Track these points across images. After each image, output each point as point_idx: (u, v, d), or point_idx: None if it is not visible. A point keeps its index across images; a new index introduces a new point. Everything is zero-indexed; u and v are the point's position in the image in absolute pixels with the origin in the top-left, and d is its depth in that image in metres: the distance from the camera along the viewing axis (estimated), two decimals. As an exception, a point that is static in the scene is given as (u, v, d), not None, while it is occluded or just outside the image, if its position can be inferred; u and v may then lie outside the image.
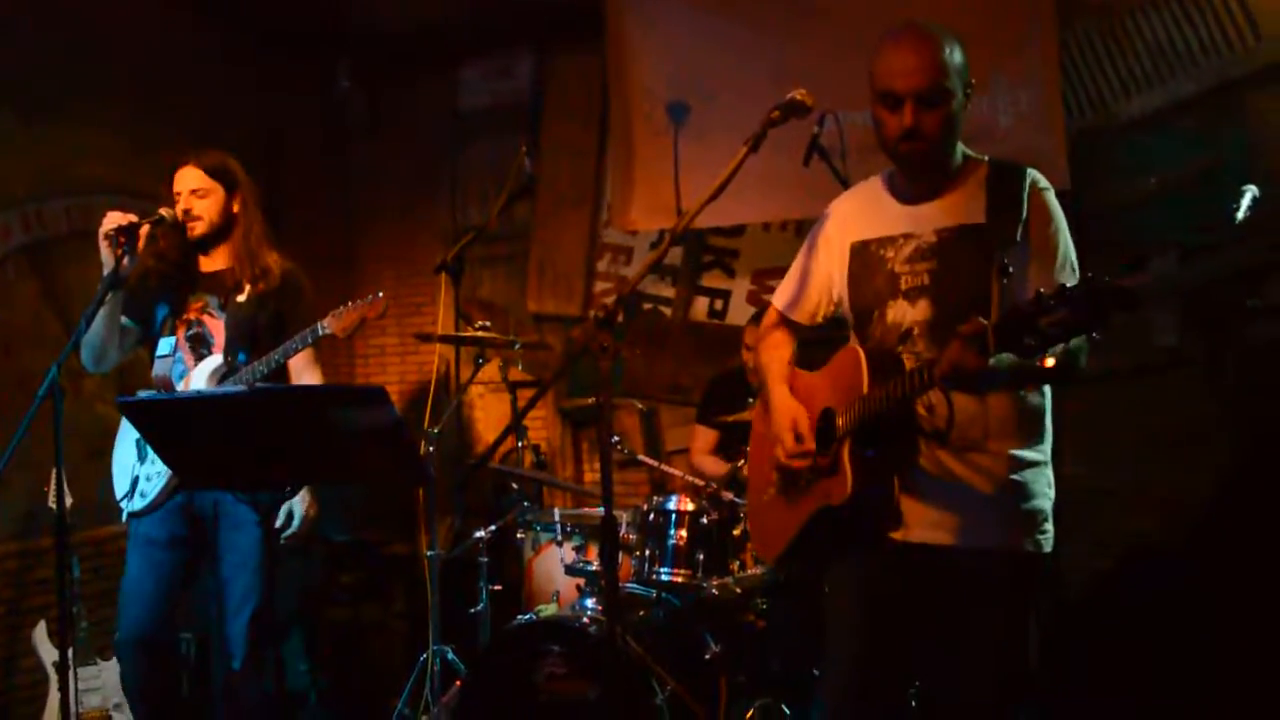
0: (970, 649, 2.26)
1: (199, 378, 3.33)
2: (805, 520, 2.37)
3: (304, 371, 3.45)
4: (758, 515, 2.68)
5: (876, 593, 2.35)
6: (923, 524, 2.27)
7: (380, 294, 3.28)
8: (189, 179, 3.37)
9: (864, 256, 2.40)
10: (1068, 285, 1.78)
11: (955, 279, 2.26)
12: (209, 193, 3.37)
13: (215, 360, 3.34)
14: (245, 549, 3.31)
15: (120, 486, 3.42)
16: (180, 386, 3.34)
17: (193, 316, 3.41)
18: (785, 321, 2.61)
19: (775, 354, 2.58)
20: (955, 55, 2.25)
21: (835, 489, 2.26)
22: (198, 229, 3.36)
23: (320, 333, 3.22)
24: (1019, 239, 2.20)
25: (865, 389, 2.22)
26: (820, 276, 2.52)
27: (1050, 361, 1.94)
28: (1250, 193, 2.98)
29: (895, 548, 2.29)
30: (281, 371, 3.36)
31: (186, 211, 3.33)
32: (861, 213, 2.44)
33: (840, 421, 2.28)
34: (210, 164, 3.39)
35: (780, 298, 2.63)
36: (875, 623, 2.36)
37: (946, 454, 2.26)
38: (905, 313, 2.31)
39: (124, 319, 3.40)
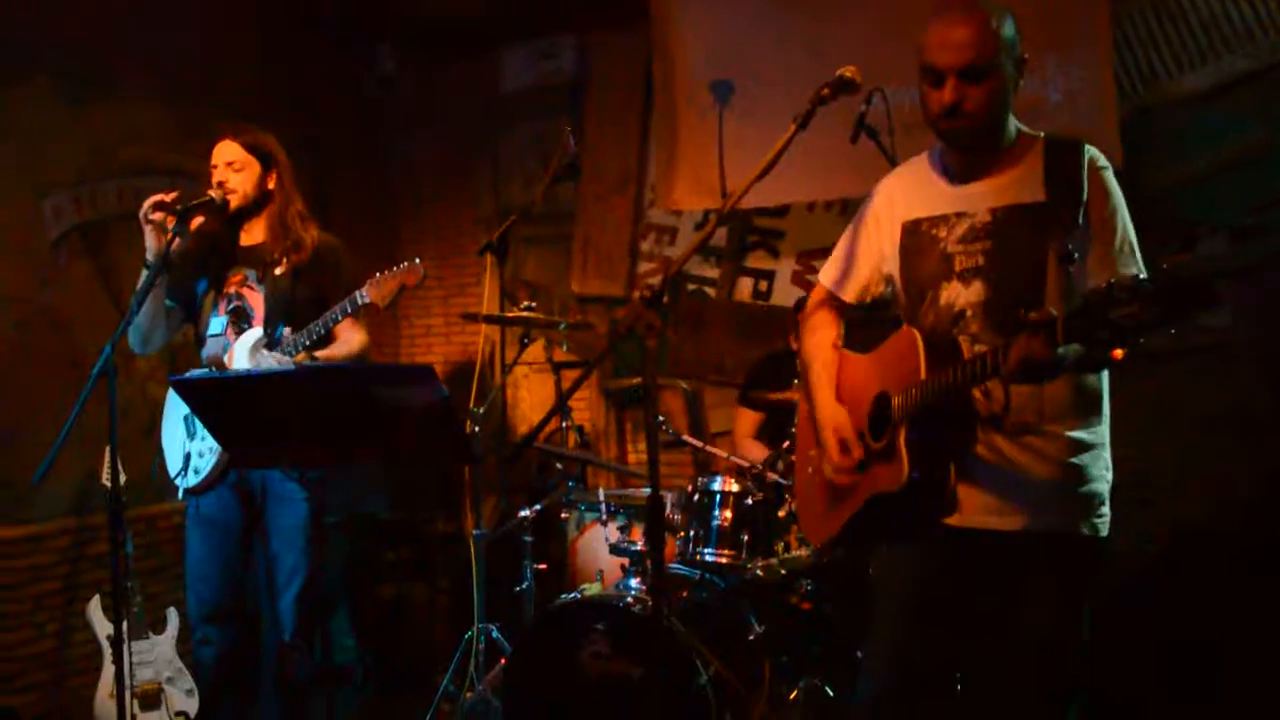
0: (1024, 634, 2.24)
1: (240, 351, 3.37)
2: (860, 505, 2.35)
3: (350, 332, 3.47)
4: (806, 499, 2.66)
5: (927, 578, 2.34)
6: (978, 509, 2.24)
7: (418, 260, 3.30)
8: (225, 152, 3.44)
9: (916, 236, 2.36)
10: (1141, 278, 1.72)
11: (1011, 260, 2.22)
12: (244, 166, 3.43)
13: (255, 333, 3.39)
14: (293, 524, 3.38)
15: (173, 464, 3.48)
16: (223, 360, 3.39)
17: (232, 290, 3.45)
18: (832, 300, 2.57)
19: (818, 338, 2.55)
20: (1005, 29, 2.20)
21: (890, 475, 2.24)
22: (233, 201, 3.41)
23: (360, 301, 3.25)
24: (1080, 222, 2.15)
25: (923, 374, 2.18)
26: (870, 254, 2.48)
27: (1120, 353, 1.85)
28: (1308, 171, 2.90)
29: (949, 533, 2.26)
30: (327, 337, 3.40)
31: (221, 184, 3.39)
32: (911, 191, 2.40)
33: (896, 406, 2.24)
34: (247, 139, 3.46)
35: (827, 275, 2.58)
36: (923, 608, 2.34)
37: (1002, 438, 2.22)
38: (959, 294, 2.27)
39: (165, 300, 3.46)
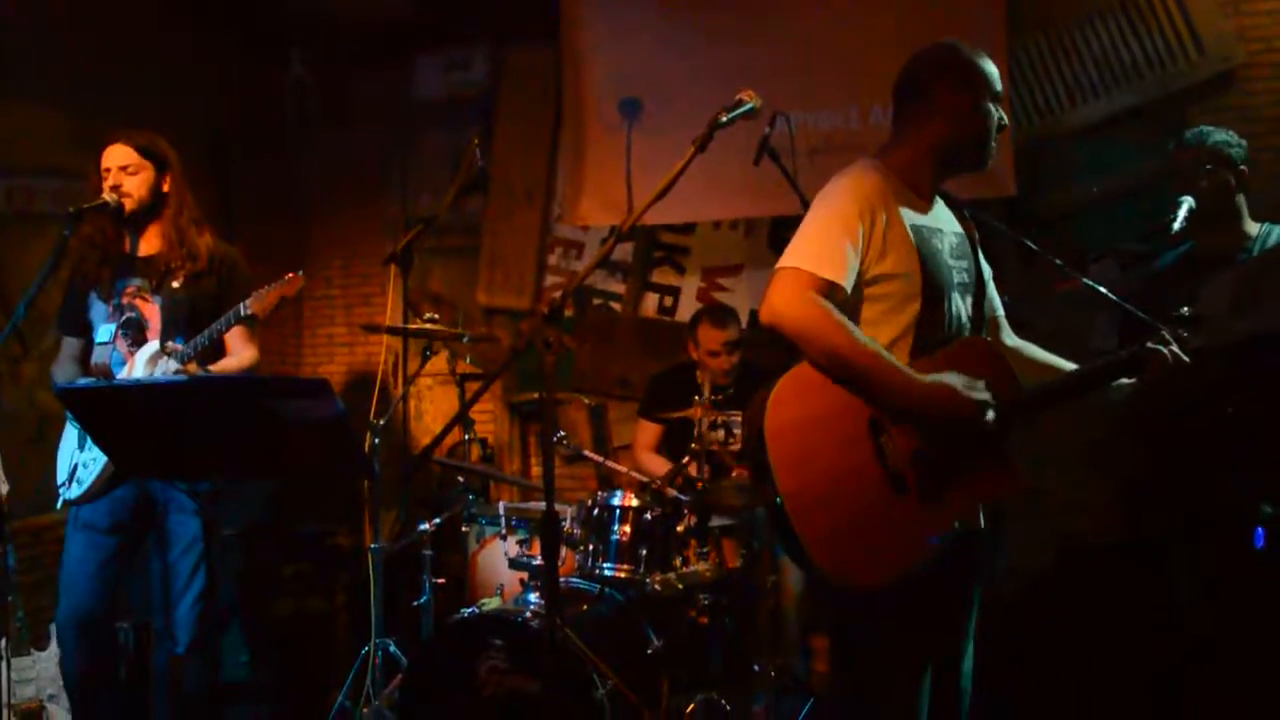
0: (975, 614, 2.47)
1: (139, 365, 3.32)
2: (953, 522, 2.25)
3: (241, 345, 3.46)
4: (853, 527, 2.21)
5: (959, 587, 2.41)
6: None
7: (299, 272, 3.32)
8: (118, 155, 3.37)
9: (928, 242, 2.34)
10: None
11: (978, 279, 2.45)
12: (139, 169, 3.37)
13: (153, 346, 3.33)
14: (191, 534, 3.34)
15: (60, 473, 3.40)
16: (121, 375, 3.32)
17: (126, 302, 3.39)
18: (835, 294, 2.23)
19: (855, 331, 2.22)
20: None
21: (1004, 481, 2.29)
22: (127, 205, 3.35)
23: (243, 313, 3.23)
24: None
25: (1014, 382, 2.31)
26: (865, 248, 2.27)
27: None
28: (1186, 204, 3.05)
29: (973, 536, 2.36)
30: (217, 345, 3.36)
31: (116, 187, 3.33)
32: (899, 196, 2.35)
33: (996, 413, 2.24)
34: (140, 142, 3.40)
35: (832, 267, 2.22)
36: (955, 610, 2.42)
37: None
38: (958, 305, 2.39)
39: (72, 339, 3.46)
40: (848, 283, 2.23)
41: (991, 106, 2.40)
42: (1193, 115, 4.39)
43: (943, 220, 2.43)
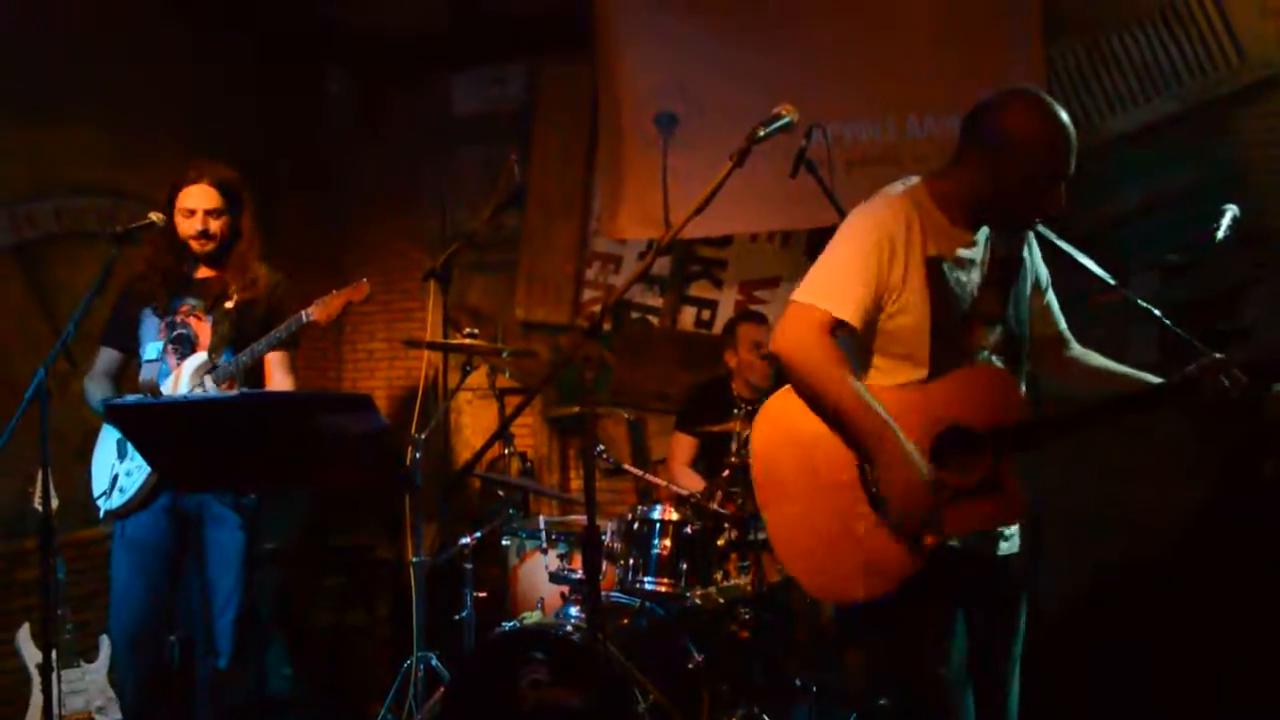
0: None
1: (185, 375, 3.36)
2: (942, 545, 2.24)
3: (280, 375, 3.50)
4: (828, 550, 2.26)
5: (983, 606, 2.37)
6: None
7: (364, 280, 3.32)
8: (204, 198, 3.40)
9: (942, 275, 2.29)
10: None
11: (1015, 305, 2.38)
12: (224, 212, 3.42)
13: (200, 357, 3.38)
14: (231, 548, 3.37)
15: (99, 484, 3.44)
16: (166, 386, 3.37)
17: (180, 319, 3.43)
18: (837, 331, 2.26)
19: (846, 371, 2.24)
20: None
21: (1003, 508, 2.25)
22: (209, 247, 3.40)
23: (305, 320, 3.27)
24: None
25: (1022, 409, 2.26)
26: (882, 283, 2.27)
27: None
28: (1231, 212, 2.99)
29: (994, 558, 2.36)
30: (258, 372, 3.39)
31: (204, 231, 3.38)
32: (927, 226, 2.31)
33: (999, 441, 2.23)
34: (223, 181, 3.42)
35: (845, 307, 2.24)
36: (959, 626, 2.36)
37: None
38: (983, 335, 2.34)
39: (112, 352, 3.51)
40: (858, 319, 2.25)
41: (1053, 181, 2.23)
42: (1235, 121, 4.35)
43: (979, 248, 2.35)
